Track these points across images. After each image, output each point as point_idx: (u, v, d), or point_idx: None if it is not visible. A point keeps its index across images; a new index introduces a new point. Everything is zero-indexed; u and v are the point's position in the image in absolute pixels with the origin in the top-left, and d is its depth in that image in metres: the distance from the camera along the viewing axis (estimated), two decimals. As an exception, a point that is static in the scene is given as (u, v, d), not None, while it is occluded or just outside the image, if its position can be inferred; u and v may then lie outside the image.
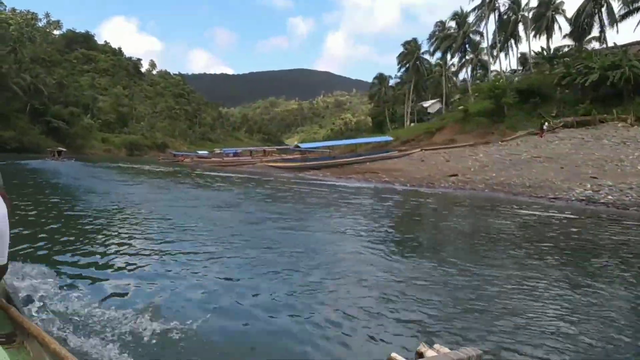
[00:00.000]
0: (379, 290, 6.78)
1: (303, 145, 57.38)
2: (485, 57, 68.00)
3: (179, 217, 13.22)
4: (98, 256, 8.14)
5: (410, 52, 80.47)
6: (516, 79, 56.12)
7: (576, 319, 5.83)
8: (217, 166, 54.47)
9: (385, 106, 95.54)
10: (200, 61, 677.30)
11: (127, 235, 10.13)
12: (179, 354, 4.38)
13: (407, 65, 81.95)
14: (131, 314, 5.07)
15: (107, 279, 6.78)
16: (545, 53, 55.06)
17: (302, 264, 8.22)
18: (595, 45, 54.38)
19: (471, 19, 61.97)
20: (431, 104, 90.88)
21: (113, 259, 8.02)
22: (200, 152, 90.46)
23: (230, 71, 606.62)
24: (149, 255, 8.41)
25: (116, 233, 10.40)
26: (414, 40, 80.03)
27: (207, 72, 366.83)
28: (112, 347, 4.19)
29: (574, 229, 13.73)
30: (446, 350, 3.15)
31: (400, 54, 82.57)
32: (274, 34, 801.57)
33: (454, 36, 64.45)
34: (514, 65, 72.32)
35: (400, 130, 70.98)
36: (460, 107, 56.27)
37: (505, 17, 60.26)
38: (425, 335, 5.09)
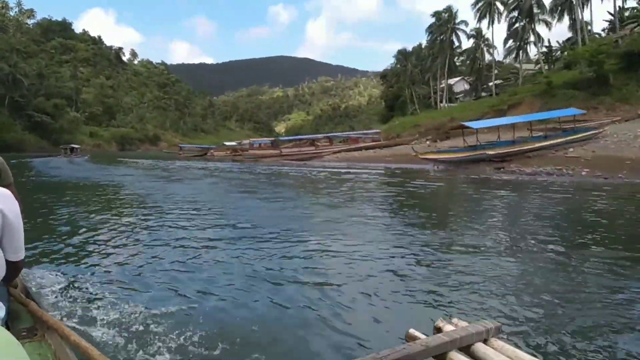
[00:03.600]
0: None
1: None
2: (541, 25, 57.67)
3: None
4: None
5: (443, 22, 69.80)
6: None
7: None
8: (282, 161, 43.46)
9: (405, 85, 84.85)
10: (180, 52, 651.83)
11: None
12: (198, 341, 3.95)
13: (441, 38, 71.14)
14: (150, 304, 4.76)
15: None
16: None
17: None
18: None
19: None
20: (455, 83, 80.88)
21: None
22: (228, 143, 77.94)
23: (210, 60, 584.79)
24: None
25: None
26: (449, 8, 69.25)
27: (186, 62, 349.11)
28: (126, 337, 3.98)
29: None
30: (464, 323, 3.03)
31: (430, 26, 71.79)
32: (254, 22, 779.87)
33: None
34: (565, 33, 62.35)
35: (448, 111, 60.35)
36: (543, 78, 45.83)
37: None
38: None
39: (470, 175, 20.29)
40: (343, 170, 26.53)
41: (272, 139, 65.96)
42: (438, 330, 3.03)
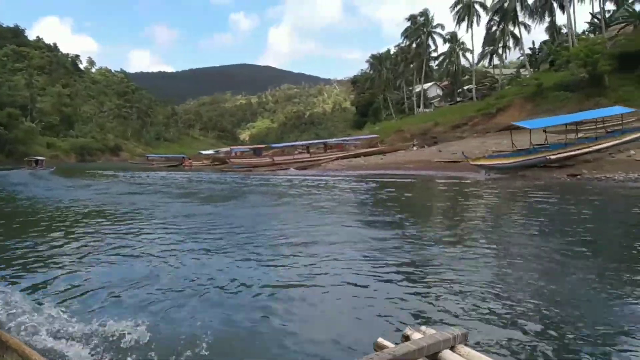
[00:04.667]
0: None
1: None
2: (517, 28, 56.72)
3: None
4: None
5: (419, 26, 68.23)
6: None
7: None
8: (273, 170, 39.81)
9: (379, 91, 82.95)
10: (139, 60, 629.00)
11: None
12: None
13: (417, 42, 69.52)
14: (114, 318, 4.62)
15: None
16: (630, 9, 44.25)
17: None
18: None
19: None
20: (429, 88, 79.64)
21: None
22: (205, 152, 73.52)
23: (170, 69, 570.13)
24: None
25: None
26: (425, 11, 67.73)
27: (145, 71, 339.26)
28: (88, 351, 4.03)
29: None
30: (432, 331, 3.03)
31: (405, 30, 70.06)
32: (215, 30, 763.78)
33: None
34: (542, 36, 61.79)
35: (430, 116, 58.47)
36: (533, 80, 44.43)
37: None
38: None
39: (549, 183, 17.72)
40: (382, 179, 23.83)
41: (254, 146, 62.36)
42: (406, 338, 2.99)
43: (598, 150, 19.28)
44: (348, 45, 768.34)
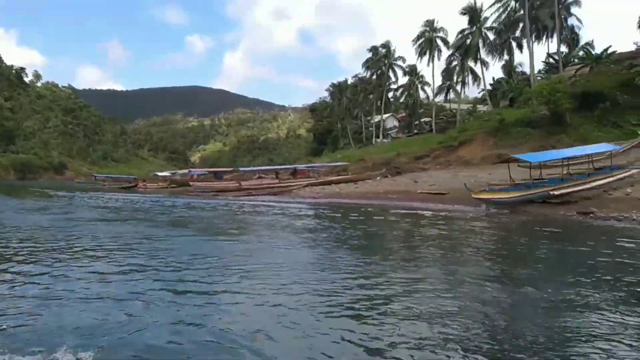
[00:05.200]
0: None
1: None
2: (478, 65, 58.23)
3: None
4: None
5: (380, 58, 68.93)
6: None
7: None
8: (239, 196, 37.15)
9: (338, 119, 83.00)
10: (88, 76, 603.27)
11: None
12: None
13: (377, 73, 70.11)
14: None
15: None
16: (587, 52, 46.02)
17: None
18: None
19: (490, 14, 50.82)
20: (386, 119, 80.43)
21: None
22: (161, 173, 69.59)
23: (120, 87, 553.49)
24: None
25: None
26: (387, 43, 68.57)
27: (94, 88, 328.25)
28: None
29: None
30: None
31: (367, 60, 70.62)
32: (170, 50, 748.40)
33: (467, 36, 53.00)
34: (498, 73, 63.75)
35: (391, 146, 58.39)
36: (495, 115, 45.09)
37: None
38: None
39: (560, 221, 16.62)
40: (367, 209, 22.60)
41: (215, 169, 59.98)
42: None
43: (596, 187, 18.96)
44: (302, 74, 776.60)
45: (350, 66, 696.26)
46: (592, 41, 53.44)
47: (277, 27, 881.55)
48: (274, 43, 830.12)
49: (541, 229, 15.00)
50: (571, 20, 53.80)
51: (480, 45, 52.62)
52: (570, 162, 23.51)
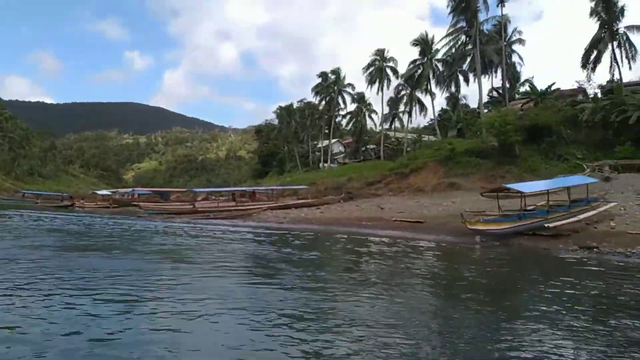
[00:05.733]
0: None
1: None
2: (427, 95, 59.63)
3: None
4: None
5: (330, 84, 69.10)
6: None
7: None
8: (194, 218, 34.80)
9: (284, 142, 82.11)
10: (15, 87, 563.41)
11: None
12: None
13: (326, 98, 70.15)
14: None
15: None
16: (532, 87, 48.04)
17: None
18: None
19: (441, 47, 52.07)
20: (332, 144, 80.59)
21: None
22: (101, 192, 64.54)
23: (50, 100, 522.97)
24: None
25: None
26: (337, 70, 68.92)
27: (21, 99, 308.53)
28: None
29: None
30: None
31: (316, 86, 70.55)
32: (106, 65, 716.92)
33: (419, 65, 54.02)
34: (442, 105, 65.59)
35: (341, 171, 58.00)
36: (446, 145, 45.84)
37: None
38: None
39: (565, 257, 15.71)
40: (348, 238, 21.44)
41: (160, 189, 56.66)
42: None
43: (582, 220, 18.93)
44: (244, 95, 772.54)
45: (291, 91, 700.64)
46: (532, 77, 56.29)
47: (219, 49, 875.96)
48: (216, 64, 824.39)
49: (562, 269, 14.03)
50: (514, 57, 56.49)
51: (430, 76, 53.85)
52: (547, 193, 23.80)
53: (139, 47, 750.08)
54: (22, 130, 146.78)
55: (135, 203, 46.09)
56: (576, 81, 46.56)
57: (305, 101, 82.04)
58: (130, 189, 64.53)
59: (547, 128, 40.61)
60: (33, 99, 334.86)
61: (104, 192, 65.49)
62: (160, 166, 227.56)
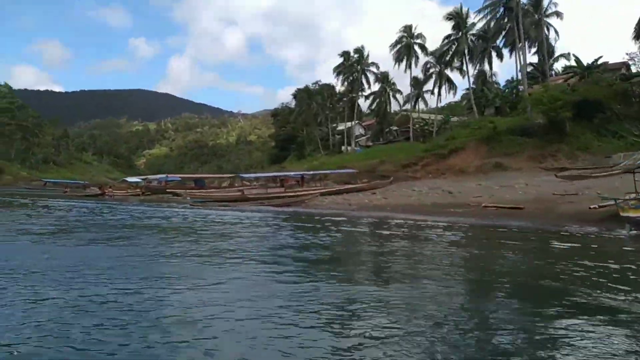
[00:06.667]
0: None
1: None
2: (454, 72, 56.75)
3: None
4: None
5: (353, 63, 66.15)
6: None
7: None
8: (238, 205, 32.75)
9: (303, 126, 79.44)
10: (24, 77, 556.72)
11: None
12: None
13: (349, 79, 67.25)
14: None
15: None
16: (578, 61, 45.01)
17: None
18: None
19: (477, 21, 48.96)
20: (353, 125, 77.92)
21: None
22: (131, 179, 61.98)
23: (59, 88, 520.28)
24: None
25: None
26: (360, 48, 65.87)
27: (30, 88, 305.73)
28: None
29: None
30: None
31: (338, 66, 67.59)
32: (112, 53, 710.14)
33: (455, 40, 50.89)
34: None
35: (372, 153, 55.39)
36: (487, 123, 43.13)
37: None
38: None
39: None
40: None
41: (194, 176, 54.13)
42: None
43: None
44: (251, 81, 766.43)
45: (299, 75, 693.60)
46: (569, 54, 53.25)
47: (224, 34, 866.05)
48: (222, 49, 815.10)
49: None
50: (548, 32, 53.30)
51: (465, 51, 50.83)
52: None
53: (143, 34, 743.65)
54: (33, 118, 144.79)
55: (170, 190, 43.69)
56: (627, 54, 43.39)
57: (321, 83, 79.43)
58: (160, 175, 61.59)
59: (598, 103, 37.70)
60: (42, 88, 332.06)
61: (134, 179, 62.42)
62: (171, 152, 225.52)
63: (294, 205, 31.01)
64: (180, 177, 57.78)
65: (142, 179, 59.39)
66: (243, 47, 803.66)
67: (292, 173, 45.97)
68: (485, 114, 49.62)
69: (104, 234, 15.79)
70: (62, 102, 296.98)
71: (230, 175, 55.97)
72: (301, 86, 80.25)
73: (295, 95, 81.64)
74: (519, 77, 52.34)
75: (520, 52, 45.87)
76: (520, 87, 48.96)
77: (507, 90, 52.53)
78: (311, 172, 44.74)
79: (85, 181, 66.05)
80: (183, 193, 39.86)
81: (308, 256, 11.41)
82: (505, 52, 52.26)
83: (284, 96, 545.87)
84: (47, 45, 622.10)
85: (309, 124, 78.81)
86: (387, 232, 17.25)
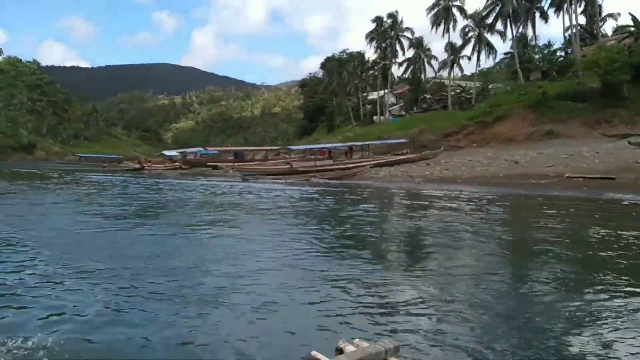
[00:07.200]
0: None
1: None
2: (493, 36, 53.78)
3: None
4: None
5: (386, 29, 63.36)
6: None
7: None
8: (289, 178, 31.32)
9: (332, 96, 77.34)
10: (52, 53, 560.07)
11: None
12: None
13: (382, 45, 64.59)
14: None
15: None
16: (635, 20, 41.82)
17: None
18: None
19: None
20: (385, 94, 75.44)
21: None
22: (169, 153, 61.30)
23: (85, 64, 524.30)
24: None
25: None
26: (394, 13, 62.88)
27: (57, 65, 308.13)
28: None
29: None
30: (365, 344, 3.07)
31: (370, 32, 64.81)
32: (136, 27, 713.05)
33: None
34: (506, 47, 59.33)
35: (408, 122, 53.28)
36: (535, 88, 40.69)
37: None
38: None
39: None
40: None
41: (234, 148, 53.19)
42: (339, 351, 3.01)
43: None
44: (273, 52, 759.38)
45: (322, 44, 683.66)
46: (618, 14, 49.89)
47: (247, 4, 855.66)
48: (244, 20, 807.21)
49: None
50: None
51: (510, 12, 47.71)
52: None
53: (166, 7, 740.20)
54: (62, 94, 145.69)
55: (211, 164, 42.56)
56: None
57: (348, 51, 76.81)
58: (197, 148, 60.45)
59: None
60: (69, 64, 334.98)
61: (172, 152, 61.26)
62: (197, 126, 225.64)
63: (346, 178, 29.51)
64: (217, 150, 56.67)
65: (180, 152, 58.27)
66: (265, 18, 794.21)
67: (339, 145, 44.08)
68: (531, 79, 46.87)
69: (196, 215, 14.33)
70: (89, 77, 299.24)
71: (275, 148, 54.34)
72: (324, 56, 77.92)
73: (324, 65, 79.30)
74: (564, 39, 49.54)
75: (570, 11, 42.81)
76: (569, 50, 46.04)
77: (549, 53, 49.21)
78: (359, 143, 42.83)
79: (119, 155, 65.62)
80: (225, 166, 38.67)
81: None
82: (552, 13, 49.13)
83: (307, 67, 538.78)
84: (72, 21, 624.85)
85: (338, 94, 76.68)
86: (499, 211, 15.13)
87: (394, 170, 30.19)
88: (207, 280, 6.43)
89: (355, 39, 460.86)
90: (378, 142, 42.77)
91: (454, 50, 59.88)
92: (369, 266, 7.45)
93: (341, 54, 77.11)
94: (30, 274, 6.79)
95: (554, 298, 5.82)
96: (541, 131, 36.53)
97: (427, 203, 16.88)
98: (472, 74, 72.98)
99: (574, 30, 43.19)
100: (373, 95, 75.65)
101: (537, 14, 50.60)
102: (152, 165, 51.79)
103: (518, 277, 7.16)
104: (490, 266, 7.65)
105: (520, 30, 51.64)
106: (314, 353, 3.03)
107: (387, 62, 65.32)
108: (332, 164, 35.97)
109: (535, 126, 37.93)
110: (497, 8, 48.17)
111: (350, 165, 33.13)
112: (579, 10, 48.95)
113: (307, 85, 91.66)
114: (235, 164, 40.98)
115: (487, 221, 12.34)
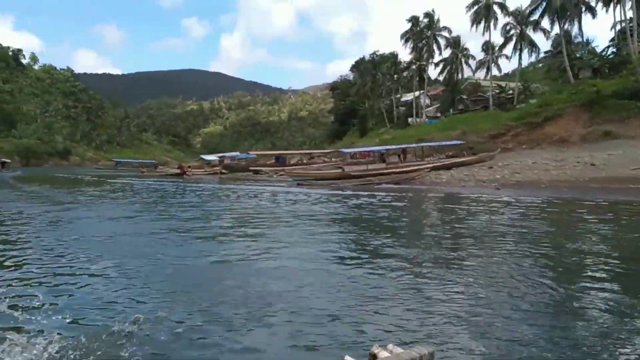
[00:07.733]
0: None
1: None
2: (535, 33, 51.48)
3: None
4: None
5: (422, 29, 61.56)
6: None
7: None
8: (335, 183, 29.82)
9: (365, 98, 75.86)
10: (85, 61, 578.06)
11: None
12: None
13: (418, 45, 62.81)
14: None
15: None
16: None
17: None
18: None
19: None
20: (419, 96, 73.49)
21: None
22: (208, 157, 60.64)
23: (116, 71, 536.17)
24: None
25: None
26: (430, 12, 61.05)
27: (89, 72, 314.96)
28: None
29: None
30: (399, 350, 2.94)
31: (405, 32, 63.07)
32: (165, 34, 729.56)
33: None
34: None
35: (448, 124, 51.28)
36: (587, 86, 38.41)
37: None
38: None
39: None
40: None
41: (275, 152, 52.30)
42: (373, 357, 2.92)
43: None
44: (299, 56, 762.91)
45: (347, 48, 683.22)
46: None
47: (273, 9, 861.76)
48: (271, 26, 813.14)
49: None
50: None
51: (558, 8, 45.36)
52: None
53: (195, 14, 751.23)
54: (95, 101, 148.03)
55: (253, 168, 41.32)
56: None
57: (379, 53, 75.43)
58: (234, 153, 59.52)
59: None
60: (100, 71, 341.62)
61: (211, 157, 60.04)
62: (226, 130, 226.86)
63: (403, 182, 27.86)
64: (256, 153, 55.68)
65: (219, 157, 57.22)
66: (291, 22, 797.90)
67: (392, 147, 42.35)
68: (580, 78, 44.46)
69: (295, 228, 12.54)
70: (120, 84, 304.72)
71: (328, 151, 52.47)
72: (350, 59, 76.74)
73: (355, 67, 77.90)
74: (614, 35, 46.99)
75: (622, 5, 40.36)
76: (619, 46, 43.51)
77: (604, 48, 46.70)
78: (413, 145, 41.11)
79: (154, 160, 65.53)
80: (269, 171, 37.36)
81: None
82: (601, 7, 46.57)
83: (333, 70, 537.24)
84: (104, 29, 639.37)
85: (371, 97, 75.19)
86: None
87: (457, 174, 28.20)
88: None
89: (382, 42, 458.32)
90: (433, 143, 40.63)
91: (492, 50, 57.77)
92: (407, 272, 7.23)
93: (372, 56, 75.83)
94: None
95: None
96: (598, 132, 34.25)
97: (544, 216, 14.17)
98: (506, 74, 70.62)
99: (629, 25, 40.60)
100: (406, 97, 73.92)
101: (583, 9, 48.08)
102: (193, 170, 50.70)
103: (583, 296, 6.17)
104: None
105: (566, 26, 49.09)
106: (347, 358, 2.97)
107: (423, 63, 63.50)
108: (386, 167, 34.20)
109: (590, 126, 35.66)
110: (544, 3, 45.90)
111: (408, 169, 31.23)
112: (628, 5, 46.39)
113: (338, 88, 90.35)
114: (286, 168, 39.53)
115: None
